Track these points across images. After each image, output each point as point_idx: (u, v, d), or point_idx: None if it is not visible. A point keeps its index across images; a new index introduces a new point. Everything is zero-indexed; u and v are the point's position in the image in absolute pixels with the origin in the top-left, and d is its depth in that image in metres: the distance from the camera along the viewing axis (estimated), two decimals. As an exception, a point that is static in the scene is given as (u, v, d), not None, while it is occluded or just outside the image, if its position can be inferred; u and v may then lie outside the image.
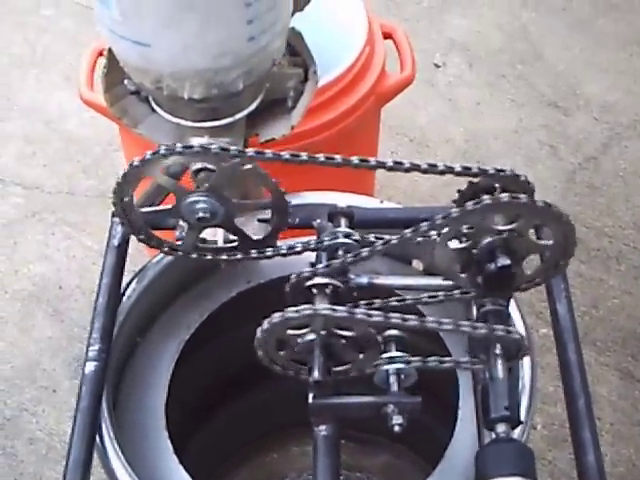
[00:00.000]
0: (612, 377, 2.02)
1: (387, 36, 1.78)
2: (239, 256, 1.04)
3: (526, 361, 1.07)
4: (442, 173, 0.92)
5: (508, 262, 0.88)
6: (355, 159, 0.92)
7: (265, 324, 0.87)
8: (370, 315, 0.87)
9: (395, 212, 1.20)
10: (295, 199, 1.21)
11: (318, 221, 1.06)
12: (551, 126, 2.54)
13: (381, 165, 0.91)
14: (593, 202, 2.36)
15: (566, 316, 1.07)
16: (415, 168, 0.91)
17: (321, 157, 0.92)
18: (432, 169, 0.91)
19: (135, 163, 0.91)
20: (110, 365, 1.09)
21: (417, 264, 1.22)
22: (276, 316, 0.87)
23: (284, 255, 1.04)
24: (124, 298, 1.15)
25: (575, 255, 2.19)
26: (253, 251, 1.04)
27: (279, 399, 1.41)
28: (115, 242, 1.15)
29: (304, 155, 0.91)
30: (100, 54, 1.59)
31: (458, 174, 0.92)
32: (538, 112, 2.58)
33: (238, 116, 1.02)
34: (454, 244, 0.90)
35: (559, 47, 2.80)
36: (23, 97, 2.65)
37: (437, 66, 2.72)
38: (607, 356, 2.06)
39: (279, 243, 1.08)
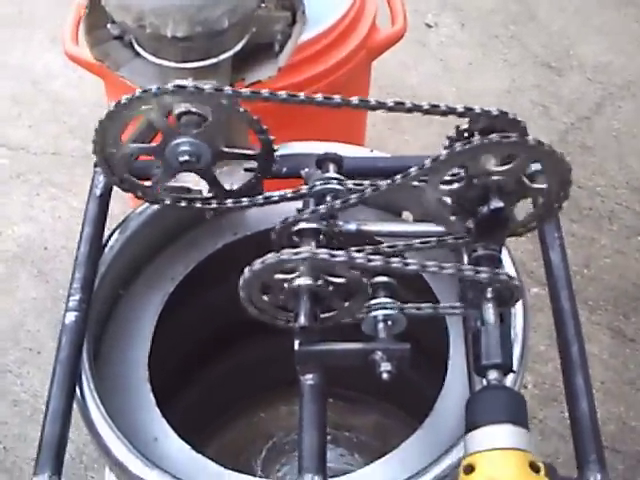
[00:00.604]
0: (603, 336, 2.01)
1: (378, -8, 1.75)
2: (229, 205, 1.01)
3: (519, 310, 1.04)
4: (426, 112, 0.89)
5: (501, 204, 0.85)
6: (355, 99, 0.89)
7: (257, 264, 0.84)
8: (370, 260, 0.84)
9: (385, 161, 1.17)
10: (283, 149, 1.18)
11: (306, 170, 1.03)
12: (544, 86, 2.51)
13: (380, 106, 0.89)
14: (585, 162, 2.33)
15: (560, 264, 1.05)
16: (400, 108, 0.88)
17: (319, 97, 0.89)
18: (416, 108, 0.88)
19: (123, 101, 0.88)
20: (92, 317, 1.06)
21: (407, 216, 1.19)
22: (270, 257, 0.84)
23: (274, 203, 1.01)
24: (106, 249, 1.12)
25: (567, 214, 2.19)
26: (243, 199, 1.01)
27: (267, 357, 1.38)
28: (97, 192, 1.12)
29: (302, 95, 0.88)
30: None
31: (443, 113, 0.89)
32: (531, 72, 2.55)
33: (223, 57, 0.98)
34: (445, 187, 0.87)
35: (553, 8, 2.76)
36: (9, 58, 2.61)
37: (429, 26, 2.69)
38: (599, 315, 2.04)
39: (268, 193, 1.05)
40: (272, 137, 0.97)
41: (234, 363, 1.57)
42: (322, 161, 1.00)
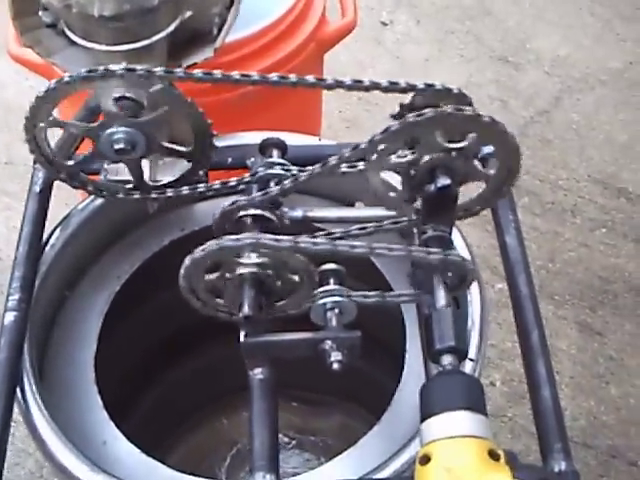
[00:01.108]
0: (570, 330, 1.98)
1: (327, -17, 1.71)
2: (169, 194, 0.97)
3: (475, 296, 1.01)
4: (367, 89, 0.85)
5: (448, 182, 0.81)
6: (293, 77, 0.85)
7: (198, 252, 0.80)
8: (316, 244, 0.80)
9: (333, 148, 1.12)
10: (228, 139, 1.15)
11: (252, 160, 0.99)
12: (502, 81, 2.49)
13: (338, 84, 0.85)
14: (546, 155, 2.31)
15: (516, 248, 1.01)
16: (339, 85, 0.84)
17: (255, 76, 0.85)
18: (357, 85, 0.84)
19: (52, 86, 0.83)
20: (36, 319, 1.03)
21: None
22: (211, 243, 0.79)
23: (216, 191, 0.97)
24: (47, 247, 1.08)
25: (529, 208, 2.16)
26: (183, 189, 0.97)
27: (228, 361, 1.33)
28: (37, 188, 1.08)
29: (236, 74, 0.84)
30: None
31: (385, 90, 0.85)
32: (488, 67, 2.52)
33: (156, 38, 0.94)
34: (392, 161, 0.83)
35: (508, 2, 2.74)
36: (-40, 67, 2.54)
37: (384, 24, 2.66)
38: (565, 309, 2.02)
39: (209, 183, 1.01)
40: (209, 121, 0.92)
41: (194, 367, 1.52)
42: (265, 147, 0.96)
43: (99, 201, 1.12)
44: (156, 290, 1.24)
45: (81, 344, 1.10)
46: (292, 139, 1.09)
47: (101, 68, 0.81)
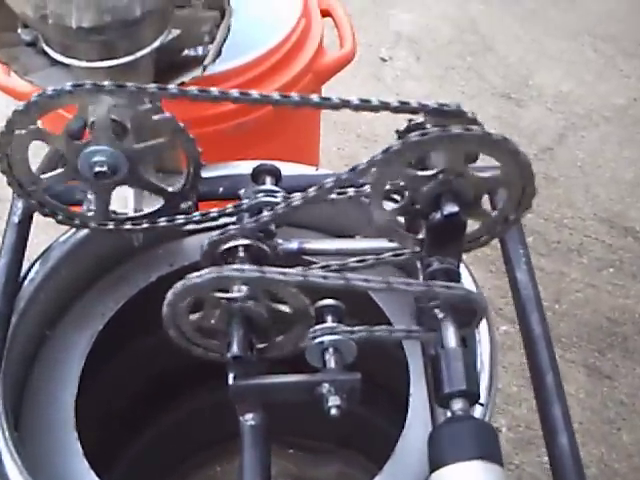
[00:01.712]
0: (579, 374, 1.90)
1: (325, 14, 1.67)
2: (146, 225, 0.90)
3: (484, 335, 0.93)
4: (376, 110, 0.79)
5: (456, 209, 0.74)
6: (296, 96, 0.79)
7: (179, 285, 0.73)
8: (326, 277, 0.72)
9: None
10: (220, 169, 1.09)
11: (245, 190, 0.92)
12: (504, 117, 2.43)
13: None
14: (551, 193, 2.24)
15: (528, 284, 0.94)
16: (345, 105, 0.78)
17: (255, 94, 0.79)
18: (364, 105, 0.78)
19: (19, 107, 0.77)
20: (12, 359, 0.96)
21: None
22: (211, 271, 0.72)
23: (196, 223, 0.90)
24: (26, 282, 1.01)
25: (535, 248, 2.09)
26: (162, 219, 0.90)
27: (222, 405, 1.26)
28: (15, 219, 1.02)
29: (235, 92, 0.78)
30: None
31: (395, 110, 0.79)
32: (490, 104, 2.47)
33: (140, 54, 0.88)
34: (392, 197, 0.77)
35: (509, 39, 2.70)
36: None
37: (383, 60, 2.61)
38: (573, 352, 1.94)
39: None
40: (199, 149, 0.86)
41: (185, 412, 1.45)
42: (258, 174, 0.90)
43: (82, 233, 1.05)
44: (142, 329, 1.16)
45: (61, 386, 1.02)
46: (287, 169, 1.03)
47: (88, 82, 0.75)
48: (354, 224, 1.04)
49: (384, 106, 0.79)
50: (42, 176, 0.87)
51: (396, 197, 0.79)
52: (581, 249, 2.13)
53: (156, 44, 0.89)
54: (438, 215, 0.75)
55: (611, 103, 2.49)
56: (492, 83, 2.54)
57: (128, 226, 0.90)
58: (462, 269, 0.83)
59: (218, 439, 1.51)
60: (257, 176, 0.89)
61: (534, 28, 2.74)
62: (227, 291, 0.75)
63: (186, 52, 1.00)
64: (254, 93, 0.78)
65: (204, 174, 1.02)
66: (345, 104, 0.78)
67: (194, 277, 0.72)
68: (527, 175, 0.75)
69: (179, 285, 0.74)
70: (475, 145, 0.72)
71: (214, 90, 0.78)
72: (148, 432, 1.38)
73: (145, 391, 1.33)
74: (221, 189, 1.03)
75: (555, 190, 2.26)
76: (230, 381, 0.76)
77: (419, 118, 0.80)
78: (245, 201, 0.85)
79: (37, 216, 1.01)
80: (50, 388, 1.02)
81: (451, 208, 0.74)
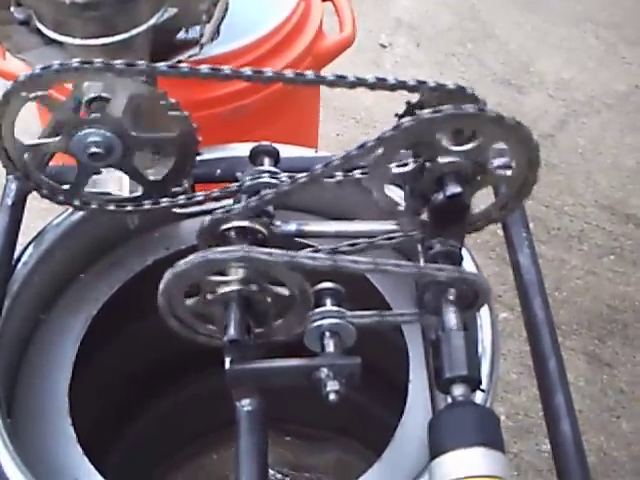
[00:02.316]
0: (579, 362, 1.89)
1: (325, -1, 1.65)
2: (146, 207, 0.88)
3: (485, 320, 0.92)
4: (373, 87, 0.77)
5: (459, 189, 0.73)
6: (289, 72, 0.77)
7: (180, 265, 0.71)
8: (313, 258, 0.71)
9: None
10: (217, 151, 1.07)
11: (242, 172, 0.90)
12: (505, 104, 2.41)
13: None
14: (551, 180, 2.23)
15: (530, 268, 0.92)
16: (340, 81, 0.76)
17: (247, 71, 0.77)
18: (360, 82, 0.76)
19: (20, 79, 0.75)
20: (5, 343, 0.95)
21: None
22: (196, 256, 0.70)
23: (198, 204, 0.88)
24: (19, 265, 0.99)
25: (535, 235, 2.07)
26: (163, 200, 0.88)
27: (219, 392, 1.25)
28: (9, 201, 1.00)
29: (226, 68, 0.76)
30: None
31: (392, 88, 0.77)
32: (491, 90, 2.45)
33: (135, 31, 0.86)
34: (395, 171, 0.75)
35: (510, 25, 2.68)
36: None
37: (383, 46, 2.59)
38: (573, 340, 1.92)
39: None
40: (194, 125, 0.84)
41: (181, 399, 1.43)
42: (255, 155, 0.88)
43: (77, 216, 1.03)
44: (138, 314, 1.14)
45: (55, 371, 1.00)
46: (286, 151, 1.01)
47: (98, 60, 0.73)
48: (354, 207, 1.02)
49: (401, 85, 0.77)
50: (29, 141, 0.85)
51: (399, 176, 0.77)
52: (582, 236, 2.12)
53: (152, 21, 0.87)
54: (441, 196, 0.73)
55: (613, 90, 2.47)
56: (492, 69, 2.52)
57: (129, 207, 0.88)
58: (464, 252, 0.81)
59: (215, 426, 1.49)
60: (255, 157, 0.87)
61: (535, 15, 2.71)
62: (223, 274, 0.73)
63: (183, 31, 0.98)
64: (267, 71, 0.76)
65: (201, 157, 1.01)
66: (361, 82, 0.76)
67: (181, 264, 0.71)
68: (534, 162, 0.73)
69: (168, 274, 0.72)
70: (486, 127, 0.70)
71: (204, 67, 0.76)
72: (144, 418, 1.37)
73: (141, 377, 1.31)
74: (218, 171, 1.01)
75: (556, 177, 2.24)
76: (227, 365, 0.75)
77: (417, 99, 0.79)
78: (244, 181, 0.83)
79: (33, 201, 1.00)
80: (44, 373, 1.01)
81: (454, 189, 0.73)
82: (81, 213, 1.04)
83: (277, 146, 0.94)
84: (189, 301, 0.75)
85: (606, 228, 2.13)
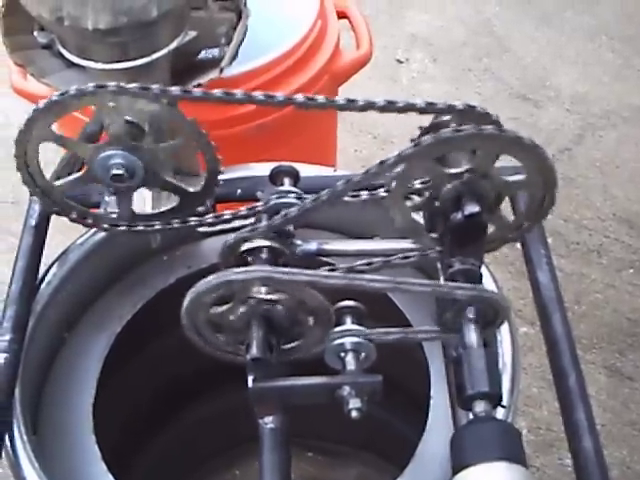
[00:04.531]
0: (599, 375, 1.88)
1: (342, 15, 1.66)
2: (175, 225, 0.89)
3: (505, 336, 0.92)
4: (401, 111, 0.78)
5: (477, 209, 0.73)
6: (300, 97, 0.78)
7: (201, 285, 0.72)
8: (329, 277, 0.72)
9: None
10: (237, 171, 1.08)
11: (263, 191, 0.91)
12: (522, 118, 2.42)
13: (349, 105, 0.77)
14: (569, 194, 2.23)
15: (549, 285, 0.93)
16: (370, 107, 0.77)
17: (259, 95, 0.78)
18: (390, 106, 0.77)
19: (41, 106, 0.76)
20: (30, 363, 0.96)
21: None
22: (215, 277, 0.71)
23: (210, 225, 0.89)
24: (43, 284, 1.01)
25: (554, 250, 2.07)
26: (191, 218, 0.89)
27: (242, 408, 1.26)
28: (32, 222, 1.02)
29: (238, 93, 0.77)
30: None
31: (422, 111, 0.78)
32: (507, 105, 2.45)
33: (156, 55, 0.87)
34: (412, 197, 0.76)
35: (526, 40, 2.68)
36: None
37: (399, 62, 2.60)
38: (593, 353, 1.92)
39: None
40: (219, 157, 0.85)
41: (202, 415, 1.44)
42: (276, 175, 0.89)
43: (99, 236, 1.05)
44: (160, 332, 1.16)
45: (79, 389, 1.02)
46: (306, 170, 1.02)
47: (112, 84, 0.74)
48: (374, 226, 1.03)
49: (410, 107, 0.78)
50: (58, 182, 0.87)
51: (417, 197, 0.78)
52: (601, 250, 2.12)
53: (172, 46, 0.89)
54: (459, 215, 0.74)
55: (629, 103, 2.47)
56: (509, 84, 2.53)
57: (141, 227, 0.89)
58: (483, 270, 0.82)
59: (237, 442, 1.50)
60: (275, 177, 0.88)
61: (550, 29, 2.72)
62: (245, 292, 0.74)
63: (203, 54, 0.99)
64: (279, 96, 0.77)
65: (221, 176, 1.02)
66: (371, 106, 0.77)
67: (201, 285, 0.72)
68: (550, 184, 0.74)
69: (189, 294, 0.73)
70: (505, 147, 0.71)
71: (217, 92, 0.77)
72: (166, 435, 1.38)
73: (163, 394, 1.32)
74: (239, 191, 1.03)
75: (574, 191, 2.24)
76: (250, 383, 0.76)
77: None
78: (265, 202, 0.84)
79: (54, 217, 1.01)
80: (68, 391, 1.02)
81: (472, 208, 0.73)
82: (103, 233, 1.05)
83: (296, 165, 0.96)
84: (213, 315, 0.76)
85: (625, 241, 2.13)
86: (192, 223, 0.90)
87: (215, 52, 0.98)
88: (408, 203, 0.78)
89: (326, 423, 1.31)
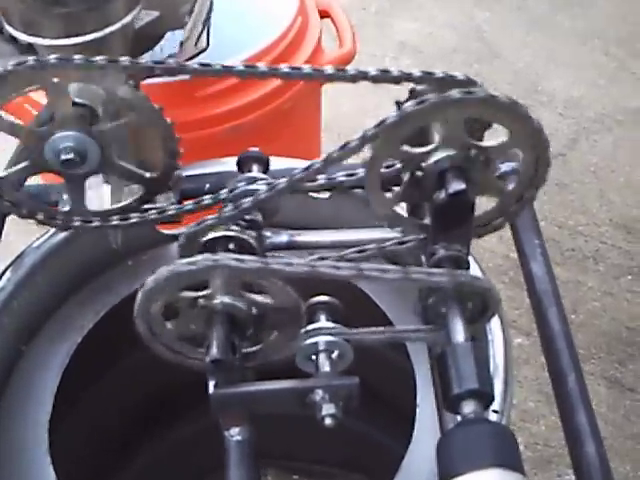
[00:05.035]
0: (599, 387, 1.80)
1: (324, 15, 1.60)
2: (133, 220, 0.82)
3: (497, 335, 0.85)
4: (375, 80, 0.71)
5: (462, 186, 0.66)
6: (284, 67, 0.71)
7: (148, 283, 0.65)
8: (290, 264, 0.64)
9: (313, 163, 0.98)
10: (207, 166, 1.01)
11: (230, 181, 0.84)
12: (514, 124, 2.34)
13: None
14: (564, 200, 2.15)
15: (544, 277, 0.85)
16: (340, 74, 0.70)
17: (240, 66, 0.71)
18: (362, 75, 0.70)
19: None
20: None
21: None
22: (164, 270, 0.64)
23: (189, 212, 0.81)
24: (-5, 292, 0.93)
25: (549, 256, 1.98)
26: (151, 212, 0.82)
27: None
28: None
29: (217, 64, 0.70)
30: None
31: (396, 80, 0.71)
32: (499, 110, 2.38)
33: (109, 29, 0.80)
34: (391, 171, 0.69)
35: (517, 45, 2.62)
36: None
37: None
38: (592, 364, 1.84)
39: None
40: (177, 136, 0.78)
41: (178, 437, 1.36)
42: (243, 162, 0.81)
43: (59, 237, 0.97)
44: (131, 343, 1.08)
45: (35, 405, 0.93)
46: (280, 162, 0.95)
47: (53, 57, 0.67)
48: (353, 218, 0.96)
49: (383, 76, 0.71)
50: (5, 172, 0.79)
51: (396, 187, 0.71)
52: (597, 256, 2.04)
53: (127, 19, 0.81)
54: (442, 194, 0.66)
55: (624, 106, 2.40)
56: (500, 89, 2.41)
57: (97, 222, 0.81)
58: (471, 260, 0.74)
59: (220, 464, 1.41)
60: (243, 164, 0.81)
61: (542, 34, 2.66)
62: (203, 288, 0.67)
63: (168, 36, 0.92)
64: (261, 66, 0.70)
65: (190, 172, 0.95)
66: (363, 75, 0.69)
67: (149, 281, 0.65)
68: (539, 142, 0.66)
69: (140, 294, 0.65)
70: (479, 110, 0.64)
71: (194, 64, 0.70)
72: (142, 457, 1.29)
73: (139, 412, 1.24)
74: (207, 185, 0.95)
75: (568, 196, 2.17)
76: (210, 389, 0.67)
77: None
78: (231, 189, 0.77)
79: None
80: (24, 408, 0.93)
81: (457, 186, 0.66)
82: (63, 235, 0.98)
83: (271, 159, 0.88)
84: (170, 323, 0.68)
85: (622, 247, 2.06)
86: (152, 217, 0.83)
87: (181, 35, 0.91)
88: (388, 195, 0.71)
89: (311, 444, 1.24)
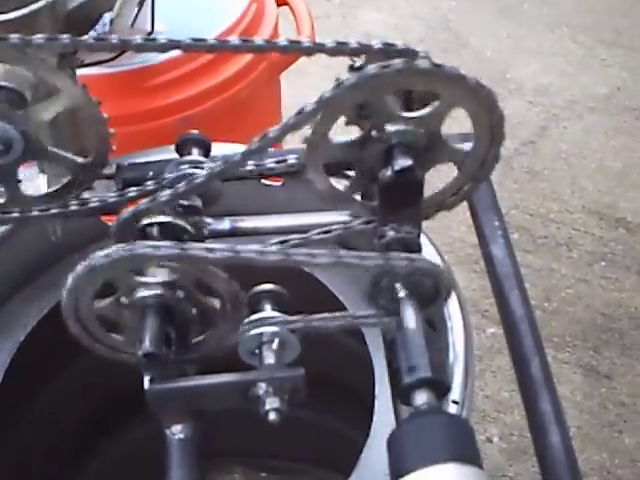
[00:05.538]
0: (574, 375, 1.77)
1: (281, 3, 1.55)
2: (74, 207, 0.77)
3: (456, 321, 0.80)
4: (309, 53, 0.67)
5: (409, 162, 0.62)
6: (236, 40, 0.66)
7: (97, 258, 0.60)
8: (211, 250, 0.59)
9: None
10: (152, 154, 0.97)
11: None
12: (482, 113, 2.31)
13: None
14: (535, 188, 2.12)
15: (505, 260, 0.81)
16: (295, 47, 0.65)
17: (187, 40, 0.67)
18: (317, 47, 0.66)
19: None
20: None
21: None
22: (120, 249, 0.59)
23: (131, 200, 0.76)
24: None
25: (520, 245, 1.95)
26: (92, 199, 0.77)
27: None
28: None
29: (162, 39, 0.66)
30: None
31: (331, 52, 0.67)
32: (467, 99, 2.35)
33: (35, 6, 0.75)
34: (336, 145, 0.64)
35: (485, 34, 2.59)
36: None
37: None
38: (567, 352, 1.81)
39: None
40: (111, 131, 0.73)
41: (134, 439, 1.30)
42: (182, 145, 0.77)
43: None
44: (75, 342, 1.03)
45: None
46: (230, 148, 0.90)
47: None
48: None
49: (318, 48, 0.66)
50: None
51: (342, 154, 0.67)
52: (570, 243, 2.01)
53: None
54: (389, 171, 0.62)
55: (594, 93, 2.38)
56: (468, 78, 2.42)
57: (35, 212, 0.77)
58: (424, 240, 0.70)
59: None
60: (182, 147, 0.77)
61: (509, 22, 2.63)
62: (136, 275, 0.62)
63: (105, 18, 0.87)
64: (210, 40, 0.66)
65: (133, 160, 0.91)
66: (316, 48, 0.66)
67: (100, 256, 0.60)
68: (482, 99, 0.62)
69: (80, 267, 0.61)
70: (444, 87, 0.60)
71: (136, 38, 0.65)
72: (96, 462, 1.24)
73: (91, 417, 1.19)
74: (150, 173, 0.90)
75: (539, 184, 2.14)
76: (146, 385, 0.63)
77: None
78: (169, 172, 0.72)
79: None
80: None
81: (404, 162, 0.62)
82: (3, 229, 0.93)
83: (220, 146, 0.84)
84: (99, 304, 0.64)
85: (595, 234, 2.03)
86: (93, 205, 0.78)
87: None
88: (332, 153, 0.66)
89: (278, 440, 1.19)
